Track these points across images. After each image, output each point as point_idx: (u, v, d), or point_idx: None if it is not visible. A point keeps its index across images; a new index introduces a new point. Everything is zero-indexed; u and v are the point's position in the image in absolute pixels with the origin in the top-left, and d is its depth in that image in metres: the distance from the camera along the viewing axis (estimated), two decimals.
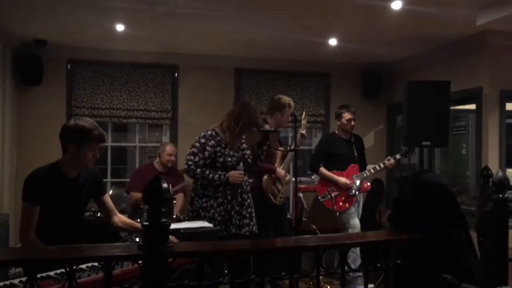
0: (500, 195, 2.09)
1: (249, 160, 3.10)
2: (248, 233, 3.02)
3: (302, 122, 3.83)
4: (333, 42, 4.49)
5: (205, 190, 3.04)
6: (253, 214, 3.10)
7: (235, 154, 3.04)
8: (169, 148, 4.48)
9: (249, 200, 3.08)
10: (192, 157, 2.99)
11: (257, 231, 3.09)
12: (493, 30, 3.91)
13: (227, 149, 3.01)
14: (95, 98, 4.95)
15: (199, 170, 2.96)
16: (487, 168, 2.73)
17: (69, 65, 4.91)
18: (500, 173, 2.15)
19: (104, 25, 4.01)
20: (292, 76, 5.42)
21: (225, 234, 2.95)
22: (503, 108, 4.09)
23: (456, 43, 4.36)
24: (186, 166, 3.02)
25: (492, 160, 4.00)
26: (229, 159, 3.00)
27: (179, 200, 4.49)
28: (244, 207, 3.03)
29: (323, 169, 4.24)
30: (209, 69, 5.17)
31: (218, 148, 2.99)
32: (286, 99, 3.89)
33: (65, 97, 4.89)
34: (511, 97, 4.12)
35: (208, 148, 2.99)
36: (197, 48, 4.87)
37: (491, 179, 2.36)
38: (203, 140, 3.02)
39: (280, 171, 3.87)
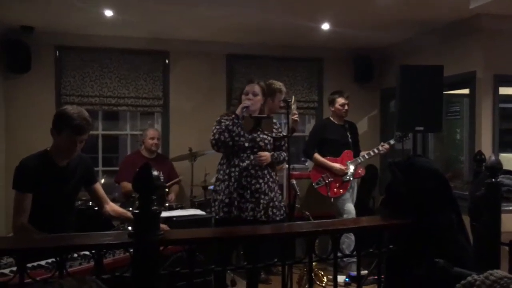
0: (493, 180, 2.09)
1: (261, 143, 3.08)
2: (251, 218, 2.99)
3: (292, 106, 3.79)
4: (325, 26, 4.44)
5: (218, 173, 3.11)
6: (264, 201, 3.05)
7: (246, 135, 3.05)
8: (150, 132, 4.44)
9: (258, 185, 3.04)
10: (211, 134, 3.08)
11: (269, 219, 3.04)
12: (486, 13, 3.88)
13: (234, 127, 3.04)
14: (84, 85, 4.87)
15: (217, 136, 3.02)
16: (480, 152, 2.72)
17: (57, 52, 4.83)
18: (493, 158, 2.15)
19: (92, 10, 3.93)
20: (284, 61, 5.37)
21: (227, 216, 2.98)
22: (496, 92, 4.09)
23: (449, 26, 4.33)
24: (211, 144, 3.08)
25: (486, 144, 4.01)
26: (242, 138, 3.03)
27: (174, 187, 4.47)
28: (249, 192, 3.01)
29: (317, 155, 4.23)
30: (200, 55, 5.11)
31: (231, 126, 3.03)
32: (277, 84, 3.85)
33: (54, 84, 4.82)
34: (505, 81, 4.12)
35: (222, 120, 3.09)
36: (187, 34, 4.80)
37: (484, 164, 2.36)
38: (218, 118, 3.13)
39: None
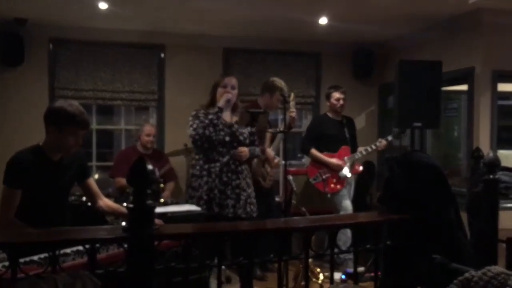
0: (491, 176, 2.08)
1: (240, 138, 3.00)
2: (231, 215, 2.93)
3: (291, 103, 3.76)
4: (323, 20, 4.41)
5: (194, 169, 3.01)
6: (246, 197, 3.00)
7: (225, 129, 2.98)
8: (147, 128, 4.37)
9: (238, 181, 2.97)
10: (191, 129, 2.95)
11: (247, 215, 2.99)
12: (486, 8, 3.87)
13: (218, 121, 2.95)
14: (78, 79, 4.81)
15: (201, 131, 2.92)
16: (478, 149, 2.71)
17: (51, 45, 4.76)
18: (491, 154, 2.14)
19: (87, 2, 3.88)
20: (282, 56, 5.32)
21: (207, 213, 2.90)
22: (495, 89, 4.08)
23: (448, 21, 4.31)
24: (191, 139, 2.98)
25: (484, 141, 4.00)
26: (221, 132, 2.95)
27: (170, 185, 4.43)
28: (230, 187, 2.94)
29: (314, 151, 4.20)
30: (196, 49, 5.06)
31: (215, 119, 2.94)
32: (279, 83, 3.80)
33: (48, 78, 4.75)
34: (503, 77, 4.11)
35: (200, 115, 2.99)
36: (184, 27, 4.75)
37: (482, 160, 2.35)
38: (193, 113, 3.02)
39: (270, 151, 3.83)
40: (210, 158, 2.96)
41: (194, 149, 3.12)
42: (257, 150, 3.15)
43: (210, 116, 2.94)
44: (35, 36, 4.61)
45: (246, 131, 3.04)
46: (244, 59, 5.24)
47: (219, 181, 2.92)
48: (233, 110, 3.06)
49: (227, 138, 2.96)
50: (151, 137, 4.35)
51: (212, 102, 3.03)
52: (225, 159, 2.95)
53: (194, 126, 2.95)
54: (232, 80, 3.05)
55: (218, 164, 2.93)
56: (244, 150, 3.00)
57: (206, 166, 2.94)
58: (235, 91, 3.03)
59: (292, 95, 3.75)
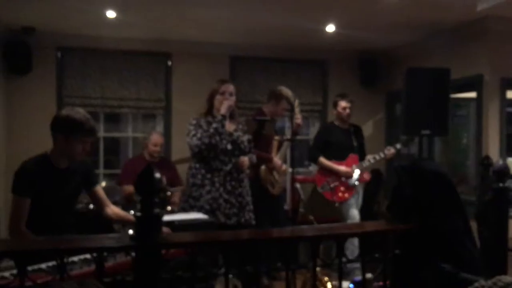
0: (501, 184, 2.05)
1: (242, 146, 2.99)
2: (236, 223, 2.91)
3: (296, 110, 3.77)
4: (330, 28, 4.41)
5: (194, 178, 2.96)
6: (245, 205, 2.99)
7: (227, 137, 2.96)
8: (154, 137, 4.32)
9: (240, 189, 2.97)
10: (195, 139, 2.89)
11: (246, 223, 2.98)
12: (494, 16, 3.86)
13: (223, 129, 2.93)
14: (86, 87, 4.84)
15: (206, 140, 2.87)
16: (487, 157, 2.69)
17: (59, 53, 4.80)
18: (501, 162, 2.12)
19: (94, 11, 3.91)
20: (288, 63, 5.33)
21: (214, 221, 2.86)
22: (503, 96, 4.06)
23: (456, 29, 4.30)
24: (196, 149, 2.90)
25: (493, 149, 3.96)
26: (224, 141, 2.93)
27: (177, 193, 4.42)
28: (234, 196, 2.93)
29: (322, 159, 4.18)
30: (203, 57, 5.08)
31: (221, 128, 2.91)
32: (286, 92, 3.80)
33: (55, 86, 4.79)
34: None
35: (202, 123, 2.94)
36: (190, 35, 4.78)
37: (491, 168, 2.33)
38: (194, 121, 2.97)
39: (277, 160, 3.83)
40: (212, 167, 2.93)
41: (193, 158, 3.06)
42: (254, 157, 3.16)
43: (214, 125, 2.91)
44: (43, 44, 4.66)
45: (245, 138, 3.03)
46: (250, 67, 5.25)
47: (224, 190, 2.90)
48: (231, 117, 3.04)
49: (229, 147, 2.95)
50: (158, 147, 4.32)
51: (210, 109, 3.01)
52: (228, 167, 2.93)
53: (198, 135, 2.91)
54: (230, 87, 3.01)
55: (221, 173, 2.92)
56: (246, 160, 3.01)
57: (208, 176, 2.91)
58: (233, 98, 3.01)
59: (297, 101, 3.75)
